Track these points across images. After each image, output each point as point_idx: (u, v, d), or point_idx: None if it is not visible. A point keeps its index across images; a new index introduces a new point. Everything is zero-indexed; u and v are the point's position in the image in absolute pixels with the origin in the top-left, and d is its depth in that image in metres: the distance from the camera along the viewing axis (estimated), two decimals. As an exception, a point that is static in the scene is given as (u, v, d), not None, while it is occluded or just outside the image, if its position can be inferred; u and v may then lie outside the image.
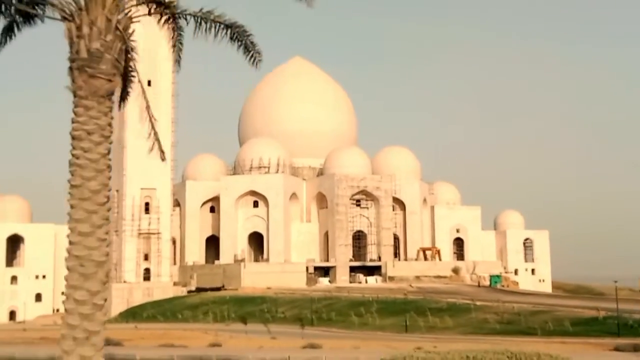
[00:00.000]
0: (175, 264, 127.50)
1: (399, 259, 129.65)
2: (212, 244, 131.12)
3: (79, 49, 13.45)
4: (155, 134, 15.47)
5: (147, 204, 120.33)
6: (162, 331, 68.28)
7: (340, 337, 53.16)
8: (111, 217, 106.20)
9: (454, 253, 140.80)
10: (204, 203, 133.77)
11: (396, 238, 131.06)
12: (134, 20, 14.17)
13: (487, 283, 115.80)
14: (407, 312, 74.22)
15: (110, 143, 13.78)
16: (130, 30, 14.06)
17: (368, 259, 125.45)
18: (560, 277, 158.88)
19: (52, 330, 71.92)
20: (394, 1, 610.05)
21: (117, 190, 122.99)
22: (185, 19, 15.40)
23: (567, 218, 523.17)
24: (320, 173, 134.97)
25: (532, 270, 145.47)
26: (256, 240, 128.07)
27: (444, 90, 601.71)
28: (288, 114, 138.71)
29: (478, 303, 77.71)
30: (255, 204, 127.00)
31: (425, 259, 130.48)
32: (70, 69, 13.70)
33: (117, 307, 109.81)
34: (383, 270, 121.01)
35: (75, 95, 13.65)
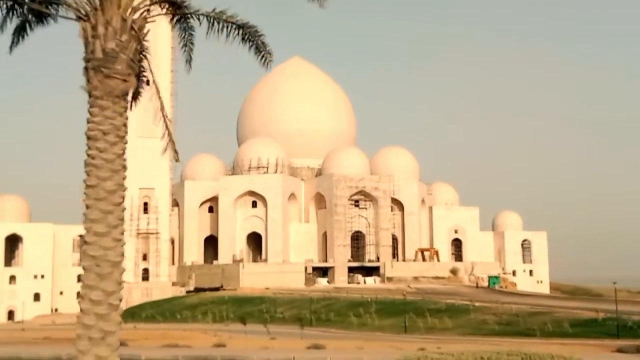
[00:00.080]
0: (173, 264, 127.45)
1: (397, 260, 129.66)
2: (211, 244, 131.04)
3: (94, 49, 13.45)
4: (170, 134, 15.46)
5: (145, 204, 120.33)
6: (162, 331, 68.27)
7: (340, 338, 53.18)
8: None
9: (452, 254, 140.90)
10: (203, 203, 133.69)
11: (394, 239, 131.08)
12: (148, 20, 14.16)
13: (486, 284, 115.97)
14: (406, 312, 74.24)
15: (125, 143, 13.78)
16: (145, 30, 14.05)
17: (366, 260, 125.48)
18: (558, 279, 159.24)
19: (51, 330, 71.99)
20: (393, 1, 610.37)
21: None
22: (198, 19, 15.39)
23: (565, 219, 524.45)
24: (319, 173, 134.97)
25: (530, 272, 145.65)
26: (255, 241, 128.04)
27: (443, 90, 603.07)
28: (287, 114, 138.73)
29: (477, 304, 77.81)
30: (254, 204, 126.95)
31: (424, 259, 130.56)
32: (86, 69, 13.69)
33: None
34: (381, 271, 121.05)
35: (90, 95, 13.64)
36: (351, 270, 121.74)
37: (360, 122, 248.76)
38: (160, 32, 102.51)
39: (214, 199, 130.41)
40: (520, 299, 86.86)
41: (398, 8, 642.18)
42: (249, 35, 15.59)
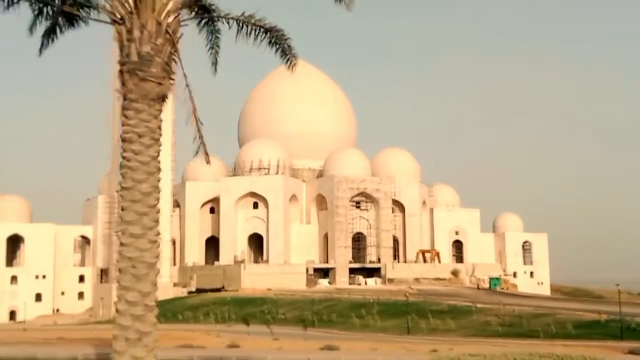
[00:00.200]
0: (175, 264, 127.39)
1: (398, 261, 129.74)
2: (212, 245, 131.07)
3: (129, 52, 13.56)
4: (201, 137, 15.58)
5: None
6: (164, 332, 68.04)
7: (344, 339, 53.07)
8: (111, 218, 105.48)
9: (453, 255, 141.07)
10: (204, 204, 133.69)
11: (395, 240, 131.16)
12: (181, 24, 14.28)
13: (487, 285, 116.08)
14: (408, 314, 74.20)
15: (160, 145, 13.88)
16: (178, 34, 14.16)
17: (367, 261, 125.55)
18: (558, 280, 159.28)
19: (53, 330, 71.89)
20: (393, 2, 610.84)
21: (117, 191, 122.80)
22: (228, 23, 15.50)
23: (566, 221, 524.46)
24: (320, 175, 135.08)
25: (531, 273, 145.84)
26: (256, 242, 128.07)
27: (443, 91, 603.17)
28: (288, 115, 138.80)
29: (479, 305, 77.86)
30: (255, 205, 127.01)
31: (425, 261, 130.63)
32: (121, 72, 13.81)
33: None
34: (382, 272, 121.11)
35: (125, 98, 13.75)
36: (352, 271, 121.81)
37: (361, 123, 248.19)
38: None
39: (215, 200, 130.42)
40: (522, 301, 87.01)
41: (399, 9, 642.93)
42: (276, 38, 15.73)
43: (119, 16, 13.76)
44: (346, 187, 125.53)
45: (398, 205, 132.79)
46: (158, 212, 13.85)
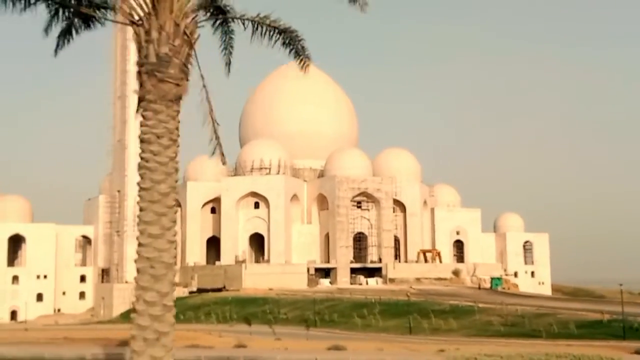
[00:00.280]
0: (176, 264, 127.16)
1: (400, 261, 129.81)
2: (213, 245, 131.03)
3: (147, 54, 13.60)
4: (218, 138, 15.63)
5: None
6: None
7: (347, 339, 53.01)
8: (112, 218, 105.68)
9: (454, 255, 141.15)
10: (205, 204, 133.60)
11: (396, 240, 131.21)
12: (198, 25, 14.32)
13: (488, 285, 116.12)
14: (409, 314, 74.07)
15: (178, 146, 13.93)
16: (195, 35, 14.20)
17: (368, 261, 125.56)
18: (559, 280, 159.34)
19: (54, 330, 71.95)
20: (394, 3, 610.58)
21: (118, 191, 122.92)
22: (243, 24, 15.55)
23: (567, 221, 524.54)
24: (321, 174, 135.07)
25: (532, 273, 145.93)
26: (257, 242, 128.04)
27: (444, 92, 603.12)
28: (289, 115, 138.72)
29: (481, 305, 77.79)
30: (256, 205, 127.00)
31: (426, 261, 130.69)
32: (139, 73, 13.84)
33: (119, 307, 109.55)
34: (383, 272, 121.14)
35: (143, 99, 13.79)
36: (353, 271, 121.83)
37: (362, 123, 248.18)
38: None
39: (217, 200, 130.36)
40: (524, 300, 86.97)
41: (399, 9, 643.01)
42: (290, 39, 15.78)
43: (137, 17, 13.81)
44: (347, 187, 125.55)
45: (399, 205, 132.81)
46: (175, 212, 13.88)
